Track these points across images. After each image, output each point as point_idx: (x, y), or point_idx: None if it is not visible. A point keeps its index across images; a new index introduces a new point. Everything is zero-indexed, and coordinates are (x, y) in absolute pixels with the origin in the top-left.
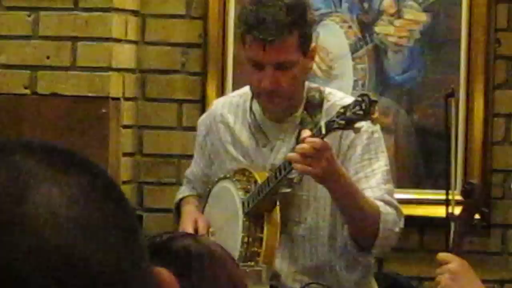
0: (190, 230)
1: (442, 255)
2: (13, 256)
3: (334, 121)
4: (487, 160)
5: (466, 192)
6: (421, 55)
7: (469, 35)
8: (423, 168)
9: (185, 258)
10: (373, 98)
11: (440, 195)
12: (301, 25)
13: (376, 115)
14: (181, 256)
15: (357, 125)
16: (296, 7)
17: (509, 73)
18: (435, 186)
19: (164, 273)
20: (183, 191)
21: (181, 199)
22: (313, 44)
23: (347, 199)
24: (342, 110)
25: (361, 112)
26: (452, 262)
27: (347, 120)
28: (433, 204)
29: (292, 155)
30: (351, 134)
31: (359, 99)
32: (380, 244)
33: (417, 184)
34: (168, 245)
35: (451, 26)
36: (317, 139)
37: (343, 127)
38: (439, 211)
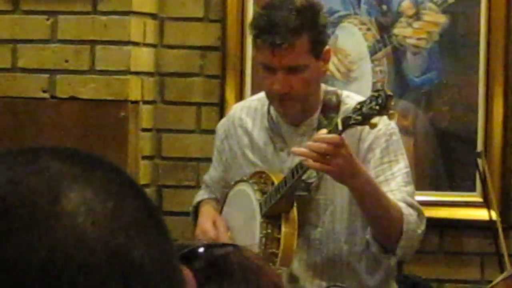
0: (209, 227)
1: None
2: (57, 254)
3: (350, 117)
4: (506, 161)
5: None
6: (440, 57)
7: (488, 36)
8: (442, 170)
9: (228, 266)
10: (389, 93)
11: (459, 197)
12: (311, 28)
13: (392, 110)
14: (221, 264)
15: (374, 120)
16: (306, 10)
17: None
18: (454, 188)
19: (187, 274)
20: (202, 194)
21: (199, 202)
22: (326, 47)
23: (369, 198)
24: (358, 106)
25: (377, 107)
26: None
27: (363, 115)
28: (452, 206)
29: (303, 150)
30: (369, 137)
31: (375, 94)
32: (404, 245)
33: (437, 186)
34: (208, 252)
35: (470, 27)
36: (333, 135)
37: (360, 123)
38: (459, 213)
